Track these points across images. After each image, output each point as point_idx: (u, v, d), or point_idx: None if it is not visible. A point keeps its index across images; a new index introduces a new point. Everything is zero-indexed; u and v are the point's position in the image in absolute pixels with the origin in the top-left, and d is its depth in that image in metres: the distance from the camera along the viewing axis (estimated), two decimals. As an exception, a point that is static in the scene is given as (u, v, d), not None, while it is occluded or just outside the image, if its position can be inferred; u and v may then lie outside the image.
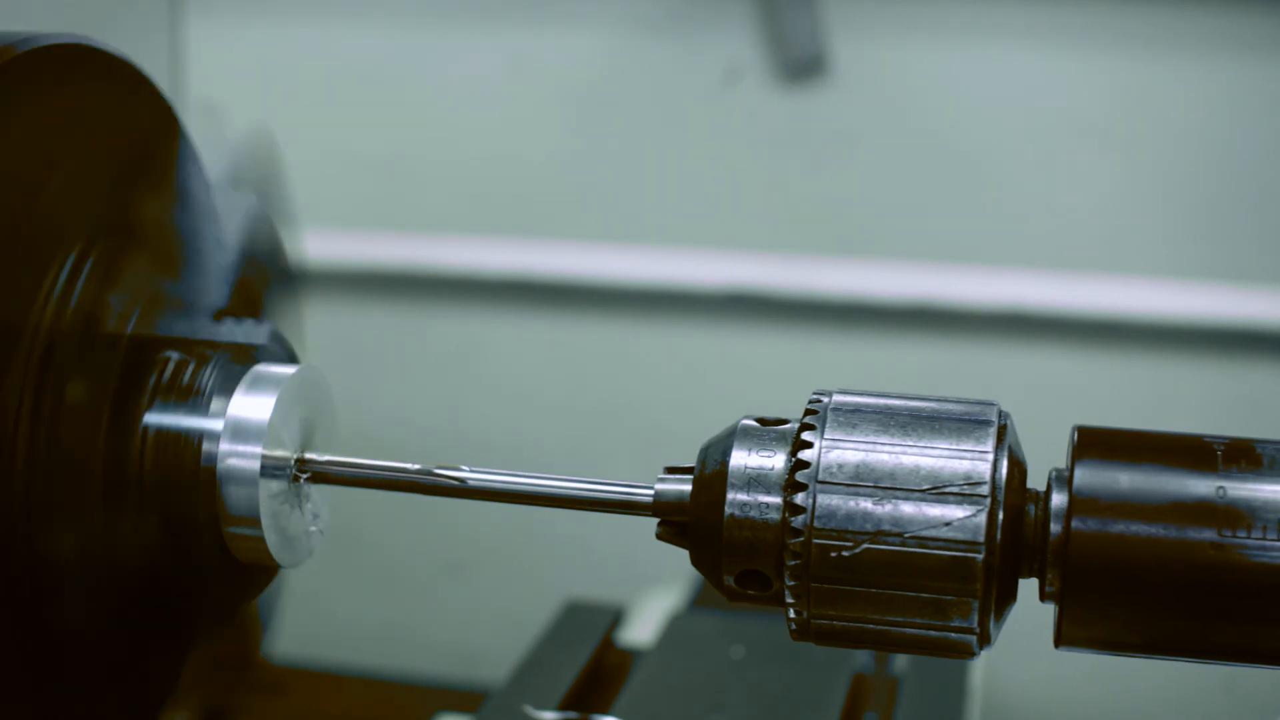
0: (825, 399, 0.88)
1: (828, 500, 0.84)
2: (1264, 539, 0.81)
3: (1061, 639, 0.85)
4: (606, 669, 1.43)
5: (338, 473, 0.96)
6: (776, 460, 0.86)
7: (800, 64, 2.30)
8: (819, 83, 2.32)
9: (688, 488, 0.89)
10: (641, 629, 1.69)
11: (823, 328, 2.38)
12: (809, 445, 0.86)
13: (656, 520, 0.91)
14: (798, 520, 0.84)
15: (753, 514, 0.86)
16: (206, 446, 0.93)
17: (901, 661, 1.49)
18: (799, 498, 0.84)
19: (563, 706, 1.30)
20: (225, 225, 1.05)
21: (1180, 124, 2.25)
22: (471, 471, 0.94)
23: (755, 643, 1.43)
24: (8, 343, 0.85)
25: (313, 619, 2.53)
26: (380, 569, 2.60)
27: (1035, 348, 2.32)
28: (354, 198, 2.50)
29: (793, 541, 0.84)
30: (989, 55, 2.28)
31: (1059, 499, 0.84)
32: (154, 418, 0.93)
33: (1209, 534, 0.81)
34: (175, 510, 0.93)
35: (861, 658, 1.46)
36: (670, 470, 0.91)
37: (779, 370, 2.41)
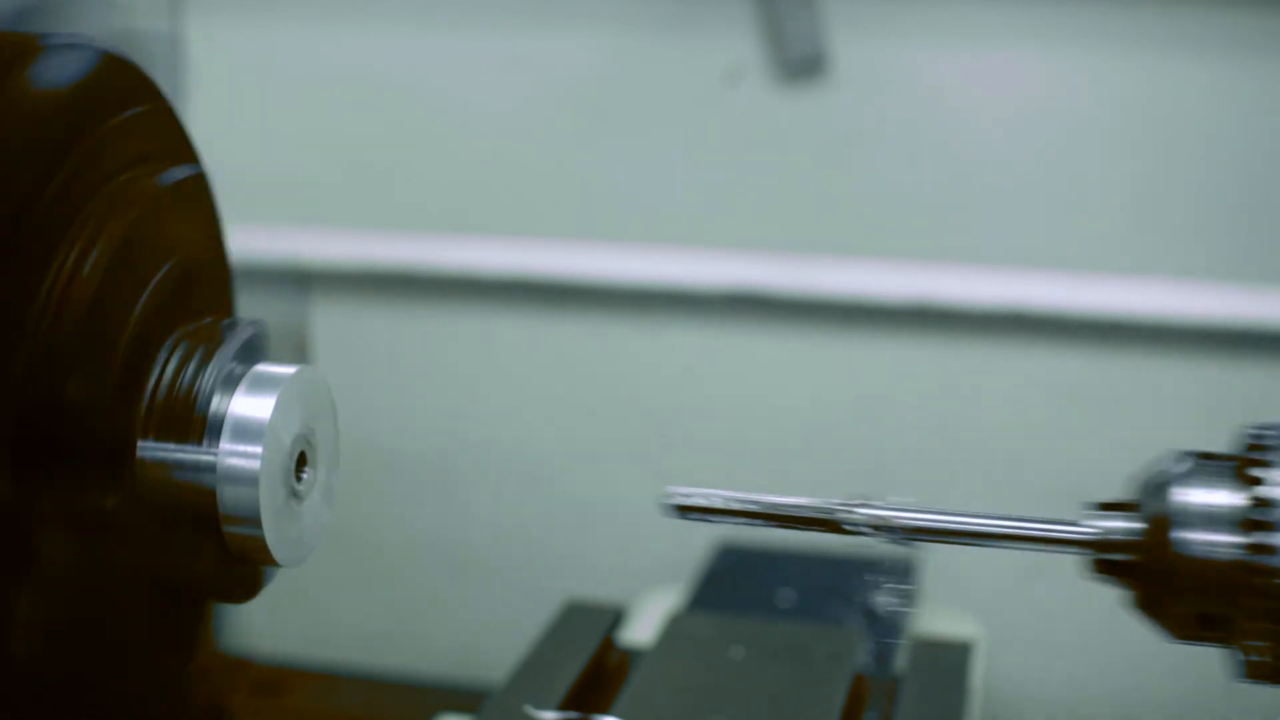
0: (1273, 432, 0.85)
1: None
2: None
3: None
4: (606, 669, 1.43)
5: (721, 506, 0.93)
6: (1228, 497, 0.84)
7: (800, 64, 2.30)
8: (819, 83, 2.32)
9: (1135, 525, 0.87)
10: (641, 629, 1.68)
11: (823, 327, 2.38)
12: (1259, 481, 0.83)
13: (1092, 557, 0.88)
14: (1267, 560, 0.82)
15: (1212, 553, 0.83)
16: (207, 446, 0.93)
17: (901, 661, 1.48)
18: (1266, 537, 0.82)
19: (563, 706, 1.29)
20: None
21: (1180, 124, 2.24)
22: (876, 508, 0.91)
23: (755, 643, 1.43)
24: (8, 342, 0.85)
25: (313, 619, 2.53)
26: (380, 569, 2.60)
27: (1035, 348, 2.32)
28: (354, 198, 2.50)
29: (1260, 582, 0.82)
30: (989, 55, 2.28)
31: None
32: (154, 418, 0.93)
33: None
34: (175, 510, 0.93)
35: (862, 657, 1.46)
36: (1105, 506, 0.89)
37: (779, 370, 2.41)
